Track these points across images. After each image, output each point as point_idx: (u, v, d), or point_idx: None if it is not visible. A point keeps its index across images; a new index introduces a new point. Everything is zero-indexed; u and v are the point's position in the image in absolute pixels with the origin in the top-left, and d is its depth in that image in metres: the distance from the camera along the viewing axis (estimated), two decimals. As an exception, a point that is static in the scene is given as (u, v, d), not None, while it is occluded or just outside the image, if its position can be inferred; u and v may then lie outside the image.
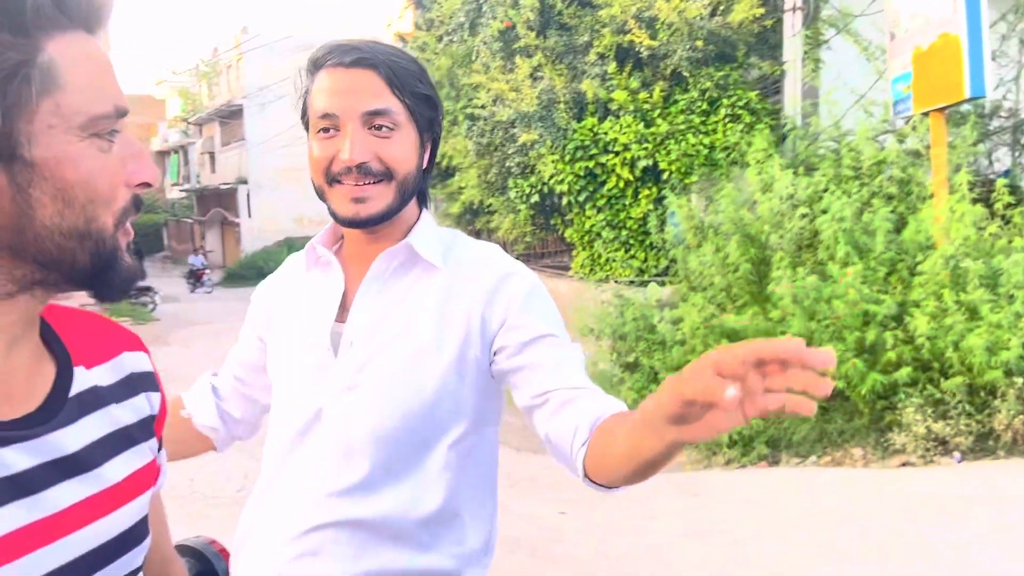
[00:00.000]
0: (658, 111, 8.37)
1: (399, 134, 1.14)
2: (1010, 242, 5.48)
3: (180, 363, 11.67)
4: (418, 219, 1.23)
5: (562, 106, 8.63)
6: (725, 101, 8.15)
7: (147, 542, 0.77)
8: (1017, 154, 7.37)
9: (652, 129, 8.28)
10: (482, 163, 9.95)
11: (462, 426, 1.16)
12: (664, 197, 7.80)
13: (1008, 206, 5.83)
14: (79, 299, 0.76)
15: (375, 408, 1.13)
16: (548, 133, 8.64)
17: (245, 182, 30.43)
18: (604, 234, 8.67)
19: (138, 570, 0.76)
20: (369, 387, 1.13)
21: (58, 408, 0.70)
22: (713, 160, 8.12)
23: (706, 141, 8.14)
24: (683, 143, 8.15)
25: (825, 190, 6.22)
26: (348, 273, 1.21)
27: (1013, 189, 6.07)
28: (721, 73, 8.19)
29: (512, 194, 9.56)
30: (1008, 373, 4.91)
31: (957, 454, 5.02)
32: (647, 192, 8.41)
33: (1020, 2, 7.17)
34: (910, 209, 6.11)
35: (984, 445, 5.05)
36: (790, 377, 0.68)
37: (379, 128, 1.12)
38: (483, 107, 9.36)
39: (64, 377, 0.72)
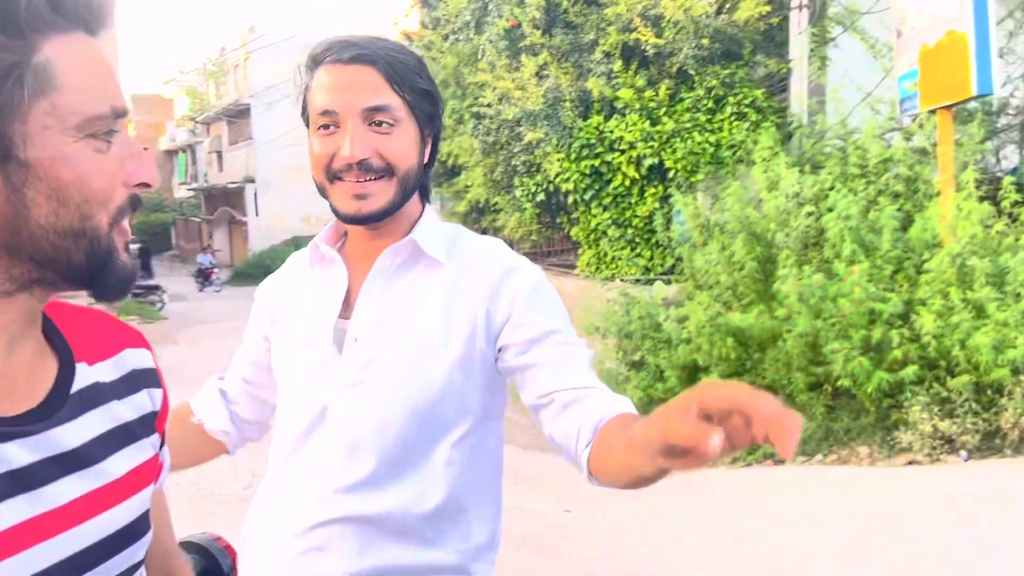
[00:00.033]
0: (664, 109, 8.36)
1: (399, 130, 1.14)
2: (1017, 240, 5.46)
3: (188, 362, 11.71)
4: (421, 214, 1.23)
5: (568, 104, 8.63)
6: (731, 99, 8.14)
7: (149, 536, 0.77)
8: (1025, 151, 7.34)
9: (658, 127, 8.27)
10: (488, 162, 9.95)
11: (468, 421, 1.16)
12: (670, 195, 7.79)
13: (1015, 204, 5.81)
14: (85, 298, 0.77)
15: (381, 404, 1.13)
16: (554, 131, 8.64)
17: (252, 181, 30.52)
18: (610, 232, 8.67)
19: (140, 564, 0.77)
20: (374, 383, 1.14)
21: (59, 404, 0.70)
22: (719, 158, 8.11)
23: (712, 139, 8.13)
24: (689, 141, 8.14)
25: (831, 188, 6.21)
26: (352, 270, 1.21)
27: (1020, 187, 6.04)
28: (727, 71, 8.18)
29: (518, 193, 9.57)
30: (1015, 371, 4.90)
31: (964, 452, 5.01)
32: (653, 190, 8.41)
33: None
34: (917, 207, 6.09)
35: (991, 443, 5.03)
36: (763, 431, 0.69)
37: (379, 124, 1.12)
38: (489, 106, 9.36)
39: (66, 373, 0.73)
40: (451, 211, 12.10)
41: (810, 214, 6.11)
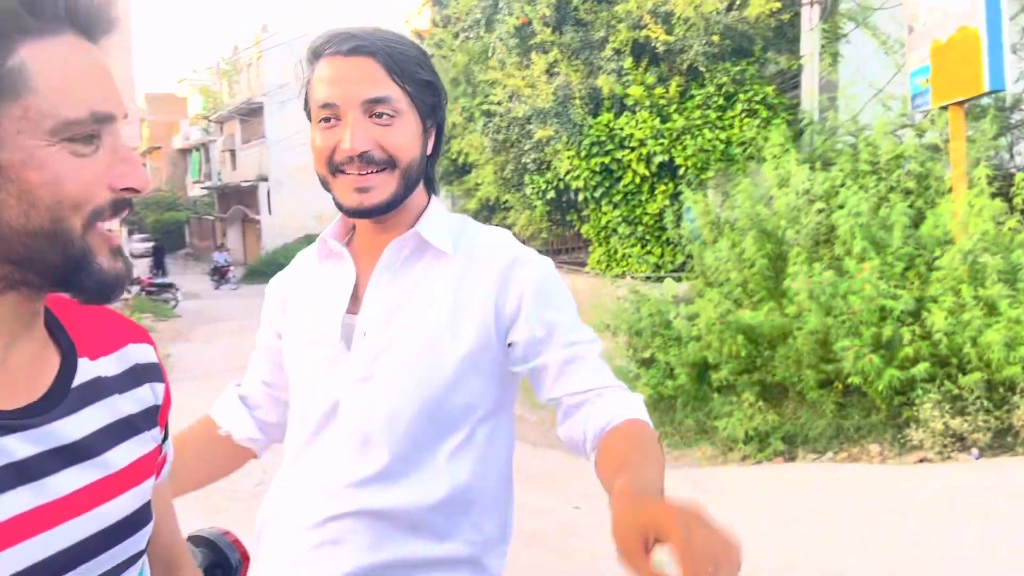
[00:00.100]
0: (674, 106, 8.34)
1: (400, 121, 1.13)
2: (1029, 237, 5.43)
3: (202, 359, 11.80)
4: (427, 206, 1.22)
5: (578, 102, 8.62)
6: (742, 96, 8.11)
7: (150, 527, 0.79)
8: (1038, 148, 7.28)
9: (668, 124, 8.26)
10: (498, 159, 9.96)
11: (478, 414, 1.16)
12: (680, 193, 7.78)
13: (1028, 200, 5.77)
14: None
15: (391, 398, 1.13)
16: (564, 129, 8.64)
17: (265, 179, 30.66)
18: (620, 230, 8.67)
19: (141, 553, 0.79)
20: (384, 377, 1.13)
21: (60, 398, 0.72)
22: (729, 155, 8.09)
23: (722, 136, 8.10)
24: (699, 138, 8.12)
25: (842, 185, 6.18)
26: (359, 264, 1.21)
27: (1033, 183, 6.00)
28: (738, 68, 8.15)
29: (528, 190, 9.57)
30: (1027, 369, 4.87)
31: (975, 450, 4.99)
32: (663, 188, 8.39)
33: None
34: (928, 204, 6.05)
35: (1002, 441, 5.01)
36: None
37: (380, 116, 1.11)
38: (499, 103, 9.37)
39: (68, 368, 0.75)
40: (461, 209, 12.12)
41: (821, 211, 6.09)
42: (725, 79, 8.13)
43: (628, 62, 8.44)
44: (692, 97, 8.34)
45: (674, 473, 5.45)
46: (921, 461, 5.07)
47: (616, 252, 8.87)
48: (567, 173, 8.80)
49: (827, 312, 5.45)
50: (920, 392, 5.12)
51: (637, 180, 8.46)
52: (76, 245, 0.68)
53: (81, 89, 0.67)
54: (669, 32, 8.10)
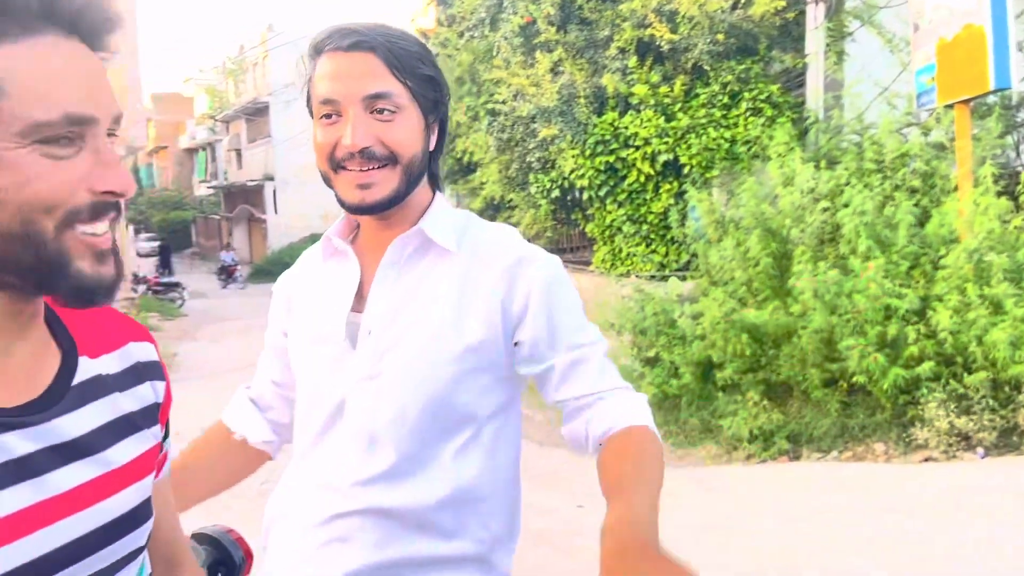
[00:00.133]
0: (679, 105, 8.33)
1: (401, 117, 1.12)
2: (1035, 235, 5.41)
3: (208, 358, 11.83)
4: (431, 202, 1.21)
5: (582, 101, 8.62)
6: (746, 95, 8.10)
7: (150, 523, 0.80)
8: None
9: (673, 123, 8.25)
10: (503, 158, 9.96)
11: (484, 412, 1.16)
12: (685, 191, 7.77)
13: (1034, 199, 5.75)
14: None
15: (397, 396, 1.13)
16: (568, 128, 8.64)
17: (271, 178, 30.74)
18: (625, 229, 8.66)
19: (142, 549, 0.80)
20: (390, 375, 1.13)
21: (59, 396, 0.73)
22: (734, 154, 8.08)
23: (727, 135, 8.09)
24: (704, 137, 8.11)
25: (847, 184, 6.17)
26: (364, 262, 1.20)
27: (1039, 182, 5.98)
28: (742, 66, 8.14)
29: (533, 189, 9.57)
30: (1032, 368, 4.86)
31: (980, 449, 4.98)
32: (668, 186, 8.39)
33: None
34: (934, 202, 6.04)
35: (1008, 440, 5.00)
36: None
37: (381, 112, 1.11)
38: (504, 102, 9.37)
39: (68, 366, 0.75)
40: (466, 208, 12.13)
41: (825, 210, 6.08)
42: (730, 78, 8.11)
43: (633, 61, 8.43)
44: (697, 96, 8.33)
45: (679, 472, 5.45)
46: (926, 460, 5.06)
47: (621, 251, 8.87)
48: (572, 172, 8.79)
49: (832, 311, 5.44)
50: (925, 391, 5.11)
51: (642, 179, 8.46)
52: (49, 247, 0.67)
53: (55, 91, 0.66)
54: (674, 31, 8.09)
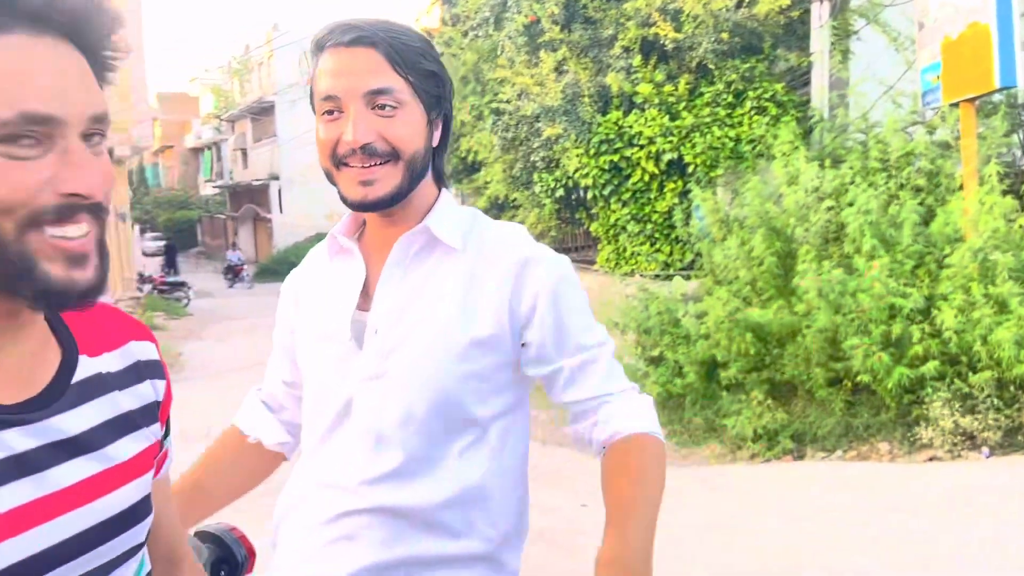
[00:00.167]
0: (683, 104, 8.33)
1: (403, 112, 1.11)
2: (1040, 234, 5.39)
3: (214, 358, 11.86)
4: (436, 200, 1.20)
5: (587, 100, 8.62)
6: (751, 93, 8.09)
7: (150, 519, 0.80)
8: (1051, 144, 7.22)
9: (677, 122, 8.25)
10: (507, 158, 9.97)
11: (491, 411, 1.15)
12: (689, 190, 7.77)
13: (1039, 198, 5.73)
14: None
15: (403, 395, 1.12)
16: (573, 127, 8.64)
17: (277, 178, 30.80)
18: (629, 228, 8.66)
19: (141, 545, 0.80)
20: (396, 374, 1.13)
21: (59, 394, 0.73)
22: (739, 153, 8.07)
23: (732, 134, 8.08)
24: (708, 136, 8.11)
25: (851, 182, 6.16)
26: (370, 260, 1.20)
27: (1045, 180, 5.96)
28: (747, 65, 8.13)
29: (537, 188, 9.58)
30: (1037, 367, 4.85)
31: (985, 449, 4.96)
32: (672, 185, 8.38)
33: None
34: (938, 201, 6.02)
35: (1013, 440, 4.98)
36: None
37: (382, 107, 1.09)
38: (508, 102, 9.38)
39: (68, 364, 0.76)
40: (471, 207, 12.15)
41: (830, 209, 6.07)
42: (734, 76, 8.11)
43: (637, 60, 8.43)
44: (701, 95, 8.32)
45: (683, 471, 5.45)
46: (931, 459, 5.05)
47: (625, 250, 8.87)
48: (576, 171, 8.80)
49: (836, 310, 5.43)
50: (930, 390, 5.10)
51: (646, 178, 8.46)
52: (11, 249, 0.65)
53: (12, 89, 0.64)
54: (678, 29, 8.09)
